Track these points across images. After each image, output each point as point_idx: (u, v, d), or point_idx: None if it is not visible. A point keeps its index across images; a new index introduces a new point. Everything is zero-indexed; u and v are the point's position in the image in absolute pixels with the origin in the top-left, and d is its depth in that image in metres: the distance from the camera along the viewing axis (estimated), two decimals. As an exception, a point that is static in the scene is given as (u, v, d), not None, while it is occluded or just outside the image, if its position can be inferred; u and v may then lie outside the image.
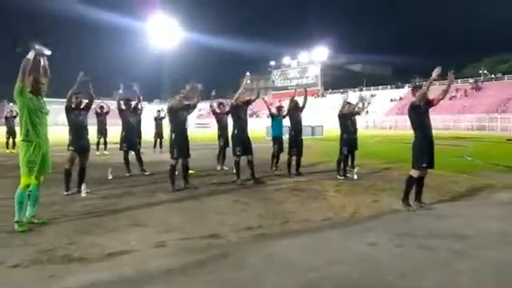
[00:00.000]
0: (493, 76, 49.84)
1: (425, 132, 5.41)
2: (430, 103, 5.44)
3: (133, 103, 9.25)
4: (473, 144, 17.89)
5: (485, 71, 53.20)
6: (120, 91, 8.59)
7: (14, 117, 14.56)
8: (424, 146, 5.37)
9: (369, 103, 9.16)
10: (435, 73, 5.28)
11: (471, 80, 49.14)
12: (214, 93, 9.98)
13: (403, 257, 3.67)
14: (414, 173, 5.42)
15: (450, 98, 45.42)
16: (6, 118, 15.41)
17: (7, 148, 14.68)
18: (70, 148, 6.59)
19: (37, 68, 4.76)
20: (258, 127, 32.84)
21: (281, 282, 3.15)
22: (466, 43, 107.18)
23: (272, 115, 9.62)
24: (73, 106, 6.65)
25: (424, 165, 5.34)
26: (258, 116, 62.71)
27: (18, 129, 7.39)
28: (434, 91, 5.54)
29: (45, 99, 4.86)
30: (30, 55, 4.51)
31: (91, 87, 6.80)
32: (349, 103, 8.64)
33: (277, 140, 9.67)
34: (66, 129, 6.79)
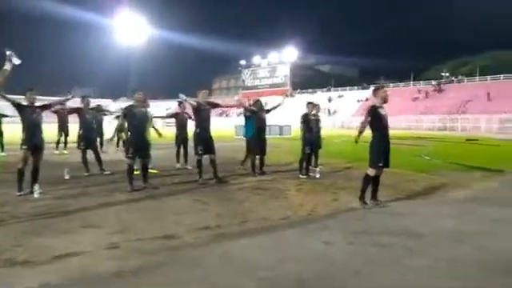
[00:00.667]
0: (454, 78, 51.86)
1: (382, 132, 5.54)
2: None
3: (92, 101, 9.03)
4: (433, 144, 18.52)
5: (447, 73, 55.33)
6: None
7: None
8: (381, 146, 5.50)
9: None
10: None
11: (434, 82, 50.95)
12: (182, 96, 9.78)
13: (357, 254, 3.73)
14: (371, 171, 5.54)
15: (413, 100, 46.99)
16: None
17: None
18: (23, 147, 6.29)
19: None
20: (227, 127, 32.75)
21: (234, 282, 3.12)
22: (430, 46, 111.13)
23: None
24: (25, 103, 6.37)
25: (380, 164, 5.47)
26: (227, 115, 62.50)
27: None
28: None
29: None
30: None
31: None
32: (311, 103, 8.74)
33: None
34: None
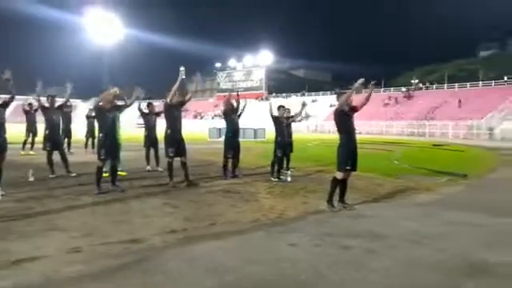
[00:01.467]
0: (422, 85, 53.48)
1: (349, 136, 5.66)
2: (353, 109, 5.72)
3: (59, 101, 8.77)
4: (402, 149, 19.02)
5: (416, 80, 57.03)
6: (37, 88, 8.10)
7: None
8: (349, 150, 5.61)
9: (304, 111, 9.32)
10: (357, 83, 5.57)
11: (403, 88, 52.37)
12: (142, 95, 9.67)
13: (322, 256, 3.79)
14: (338, 175, 5.64)
15: (384, 105, 48.12)
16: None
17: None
18: (-16, 147, 6.06)
19: None
20: (202, 129, 32.54)
21: (197, 285, 3.11)
22: (400, 53, 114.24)
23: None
24: None
25: (348, 167, 5.58)
26: (202, 117, 62.13)
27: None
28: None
29: None
30: None
31: (11, 85, 6.37)
32: (283, 107, 8.82)
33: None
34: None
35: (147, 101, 8.61)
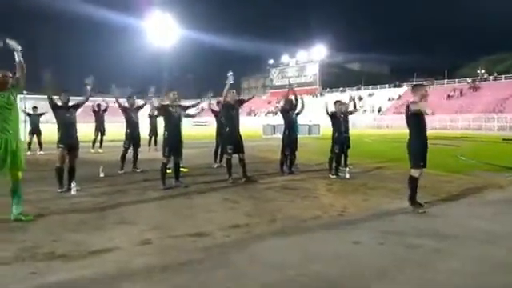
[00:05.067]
0: (486, 76, 49.81)
1: (422, 131, 5.38)
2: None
3: (137, 102, 9.34)
4: (468, 144, 17.90)
5: (482, 71, 53.28)
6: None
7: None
8: (421, 145, 5.35)
9: (355, 103, 9.12)
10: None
11: (469, 80, 49.18)
12: (211, 94, 9.84)
13: (386, 255, 3.68)
14: (414, 172, 5.36)
15: (448, 98, 45.52)
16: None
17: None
18: (60, 145, 6.58)
19: None
20: (256, 126, 32.88)
21: (262, 281, 3.14)
22: (463, 42, 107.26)
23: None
24: (59, 103, 6.65)
25: (421, 163, 5.33)
26: (255, 115, 62.68)
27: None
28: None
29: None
30: None
31: (89, 90, 6.92)
32: (339, 102, 8.65)
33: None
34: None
35: (217, 99, 8.89)
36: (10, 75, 4.70)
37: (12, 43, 4.63)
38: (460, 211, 5.35)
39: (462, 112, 40.50)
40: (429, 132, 5.57)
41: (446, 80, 52.91)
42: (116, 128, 14.43)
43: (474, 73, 54.21)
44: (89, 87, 6.90)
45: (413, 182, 5.37)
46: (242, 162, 7.66)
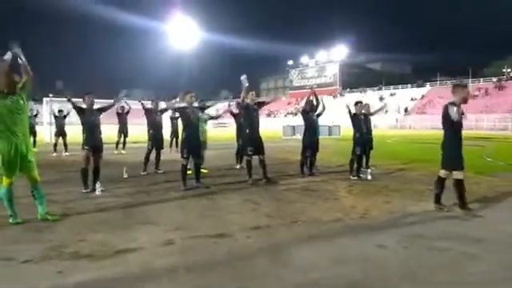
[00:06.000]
0: (511, 74, 48.35)
1: (458, 132, 5.26)
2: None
3: (161, 104, 9.55)
4: (494, 144, 17.39)
5: (508, 69, 51.71)
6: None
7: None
8: (457, 147, 5.24)
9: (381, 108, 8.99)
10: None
11: (494, 79, 47.81)
12: (226, 94, 9.98)
13: (412, 258, 3.60)
14: (458, 174, 5.22)
15: (473, 97, 44.33)
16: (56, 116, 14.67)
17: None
18: (85, 147, 6.72)
19: (4, 69, 4.66)
20: (276, 127, 32.82)
21: (282, 282, 3.13)
22: (488, 41, 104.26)
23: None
24: (84, 106, 6.80)
25: (462, 165, 5.21)
26: (275, 116, 62.61)
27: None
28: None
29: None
30: (7, 57, 4.56)
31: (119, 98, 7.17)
32: (360, 103, 8.54)
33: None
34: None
35: (237, 100, 8.98)
36: (18, 79, 4.70)
37: (16, 50, 4.62)
38: (486, 214, 5.19)
39: (488, 112, 39.42)
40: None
41: (470, 79, 51.60)
42: (138, 130, 14.68)
43: (499, 71, 52.70)
44: (120, 95, 7.12)
45: (460, 186, 5.23)
46: (262, 163, 7.66)
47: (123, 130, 14.26)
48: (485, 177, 8.14)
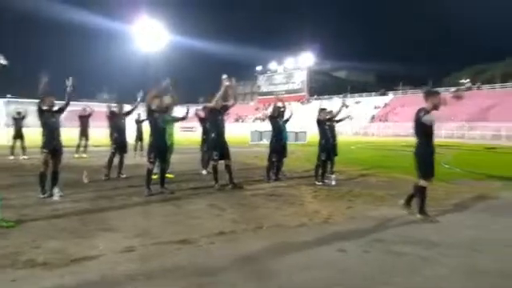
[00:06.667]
0: (470, 85, 50.85)
1: (430, 140, 5.36)
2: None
3: (126, 107, 9.26)
4: (452, 152, 18.18)
5: (467, 80, 54.36)
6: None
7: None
8: (431, 154, 5.36)
9: (343, 107, 9.11)
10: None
11: (453, 89, 50.08)
12: (201, 99, 9.83)
13: (372, 263, 3.69)
14: (424, 183, 5.33)
15: (445, 104, 46.23)
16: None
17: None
18: (44, 150, 6.46)
19: None
20: (244, 132, 32.84)
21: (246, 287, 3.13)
22: (448, 53, 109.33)
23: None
24: (44, 107, 6.54)
25: (431, 174, 5.33)
26: (243, 121, 62.69)
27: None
28: (422, 99, 5.48)
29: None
30: None
31: (71, 93, 6.78)
32: (324, 110, 8.71)
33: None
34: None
35: (205, 104, 8.88)
36: None
37: None
38: (443, 219, 5.40)
39: (446, 120, 41.20)
40: (412, 139, 5.62)
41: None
42: (100, 133, 14.26)
43: (458, 82, 55.32)
44: (69, 89, 6.78)
45: (422, 193, 5.32)
46: (227, 168, 7.63)
47: (84, 134, 13.85)
48: (443, 183, 8.46)
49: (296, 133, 26.73)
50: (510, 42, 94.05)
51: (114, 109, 9.15)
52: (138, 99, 8.95)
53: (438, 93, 5.56)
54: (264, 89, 78.80)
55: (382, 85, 65.99)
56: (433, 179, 5.46)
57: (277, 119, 8.72)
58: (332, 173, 8.90)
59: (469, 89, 49.58)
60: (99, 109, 9.15)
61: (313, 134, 13.38)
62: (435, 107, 5.27)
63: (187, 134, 34.36)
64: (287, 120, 8.99)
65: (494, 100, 41.60)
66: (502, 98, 40.86)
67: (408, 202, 5.56)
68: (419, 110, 5.29)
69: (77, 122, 13.91)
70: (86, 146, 13.83)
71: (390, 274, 3.42)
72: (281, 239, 4.37)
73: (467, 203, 6.44)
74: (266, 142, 9.85)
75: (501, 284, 3.24)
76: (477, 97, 44.99)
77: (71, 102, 7.00)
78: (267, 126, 9.23)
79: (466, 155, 16.84)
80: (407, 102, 44.70)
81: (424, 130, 5.31)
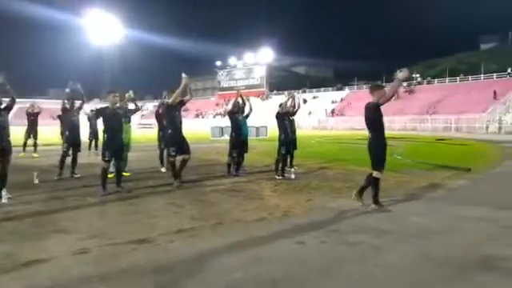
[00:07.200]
0: (420, 80, 53.27)
1: (383, 132, 5.57)
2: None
3: (77, 103, 8.85)
4: (404, 144, 18.98)
5: (417, 75, 56.85)
6: (67, 90, 8.29)
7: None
8: (384, 146, 5.57)
9: (294, 99, 9.21)
10: (402, 74, 5.33)
11: (405, 84, 52.24)
12: (165, 94, 9.42)
13: (328, 253, 3.80)
14: (377, 174, 5.51)
15: (396, 99, 48.04)
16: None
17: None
18: (-12, 150, 6.07)
19: None
20: (204, 128, 32.57)
21: (206, 286, 3.11)
22: (401, 48, 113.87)
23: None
24: None
25: (383, 164, 5.53)
26: (203, 117, 62.14)
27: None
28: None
29: None
30: None
31: (9, 87, 6.32)
32: (284, 103, 8.82)
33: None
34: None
35: (162, 101, 8.66)
36: None
37: None
38: (394, 208, 5.64)
39: (399, 114, 42.91)
40: (366, 132, 5.82)
41: (384, 84, 55.85)
42: (48, 131, 13.67)
43: (410, 77, 57.67)
44: (6, 86, 6.30)
45: (376, 184, 5.53)
46: (183, 163, 7.48)
47: (32, 132, 13.19)
48: (395, 173, 8.82)
49: (257, 128, 26.88)
50: (458, 39, 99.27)
51: (67, 105, 8.77)
52: (67, 90, 8.62)
53: (382, 86, 5.79)
54: (224, 84, 78.46)
55: (339, 80, 67.75)
56: (383, 171, 5.67)
57: (236, 115, 8.72)
58: (291, 166, 9.04)
59: (419, 83, 51.92)
60: (48, 106, 8.71)
61: (274, 129, 13.47)
62: (380, 99, 5.44)
63: (145, 130, 33.63)
64: (247, 115, 9.03)
65: (443, 93, 43.81)
66: (451, 92, 43.15)
67: (360, 194, 5.75)
68: (367, 104, 5.54)
69: (24, 121, 13.25)
70: (35, 145, 13.18)
71: (344, 263, 3.54)
72: (240, 234, 4.38)
73: (417, 193, 6.76)
74: (227, 137, 9.81)
75: (446, 270, 3.43)
76: (427, 91, 47.28)
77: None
78: (228, 122, 9.20)
79: (417, 147, 17.64)
80: (361, 97, 46.13)
81: (376, 124, 5.54)
